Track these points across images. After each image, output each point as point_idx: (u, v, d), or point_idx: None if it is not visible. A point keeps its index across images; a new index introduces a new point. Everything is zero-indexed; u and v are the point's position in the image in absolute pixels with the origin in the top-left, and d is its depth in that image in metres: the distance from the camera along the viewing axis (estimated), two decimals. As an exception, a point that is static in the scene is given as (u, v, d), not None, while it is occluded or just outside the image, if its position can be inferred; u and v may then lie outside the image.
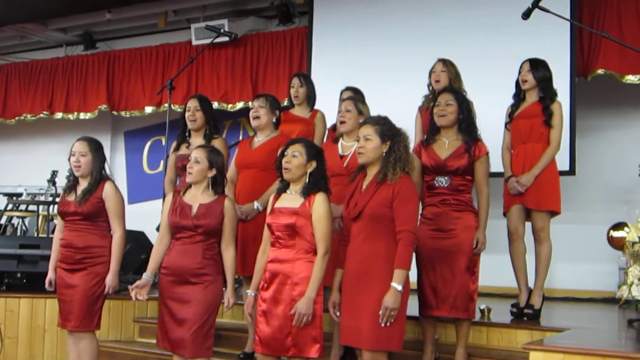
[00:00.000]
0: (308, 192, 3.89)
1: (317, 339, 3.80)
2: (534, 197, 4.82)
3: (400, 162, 3.71)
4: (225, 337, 5.11)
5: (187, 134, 5.19)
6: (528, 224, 4.99)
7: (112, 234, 4.57)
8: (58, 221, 4.76)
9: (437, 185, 4.36)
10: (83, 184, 4.60)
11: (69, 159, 4.62)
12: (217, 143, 4.96)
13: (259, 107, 4.89)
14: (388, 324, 3.54)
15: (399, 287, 3.53)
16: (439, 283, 4.25)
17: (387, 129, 3.79)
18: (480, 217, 4.32)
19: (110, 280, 4.51)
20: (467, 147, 4.31)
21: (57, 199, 7.83)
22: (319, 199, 3.86)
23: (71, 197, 4.59)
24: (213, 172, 4.26)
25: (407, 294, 3.71)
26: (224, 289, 4.27)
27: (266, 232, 4.01)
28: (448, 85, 5.02)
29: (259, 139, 4.90)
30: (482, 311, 4.96)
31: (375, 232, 3.67)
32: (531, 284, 4.96)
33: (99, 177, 4.59)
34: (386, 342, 3.60)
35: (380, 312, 3.53)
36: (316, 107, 5.62)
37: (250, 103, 8.32)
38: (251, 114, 4.93)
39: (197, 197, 4.26)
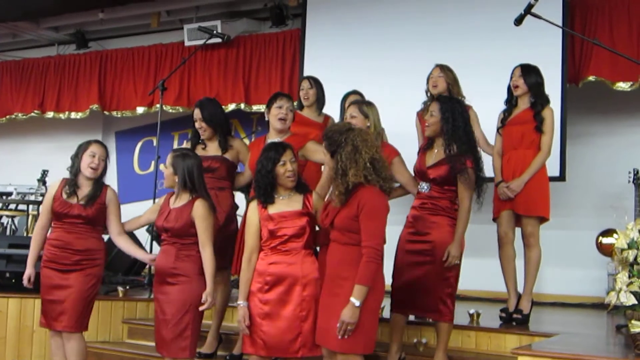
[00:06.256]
0: (304, 191, 4.01)
1: None
2: (524, 202, 4.83)
3: (335, 181, 3.63)
4: (227, 340, 5.11)
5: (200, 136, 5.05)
6: (518, 229, 5.01)
7: (119, 236, 4.63)
8: (44, 218, 4.64)
9: (420, 190, 4.42)
10: (85, 188, 4.58)
11: (75, 157, 4.60)
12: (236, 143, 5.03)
13: (289, 111, 4.75)
14: (346, 336, 3.53)
15: (357, 303, 3.51)
16: (411, 284, 4.30)
17: (330, 144, 3.71)
18: (456, 230, 4.30)
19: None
20: (448, 159, 4.30)
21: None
22: (315, 196, 4.02)
23: (73, 200, 4.55)
24: (176, 178, 4.30)
25: (381, 298, 3.72)
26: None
27: (253, 240, 4.01)
28: (446, 91, 5.07)
29: (276, 140, 4.70)
30: (470, 315, 4.97)
31: (346, 239, 3.66)
32: (520, 289, 4.98)
33: (102, 182, 4.64)
34: (352, 345, 3.59)
35: (338, 325, 3.54)
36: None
37: (242, 105, 8.37)
38: (279, 114, 4.71)
39: (177, 200, 4.33)
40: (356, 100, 4.81)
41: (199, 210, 4.23)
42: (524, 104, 4.96)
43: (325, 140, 3.76)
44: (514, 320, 4.88)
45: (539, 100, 4.89)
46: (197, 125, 4.97)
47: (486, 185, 4.49)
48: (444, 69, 5.19)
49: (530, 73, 4.93)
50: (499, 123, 5.07)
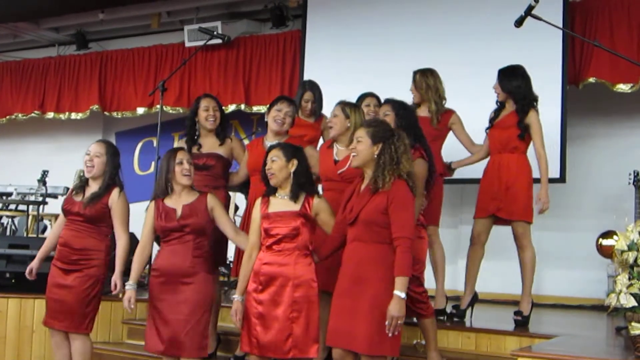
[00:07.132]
0: (298, 192, 3.94)
1: (316, 340, 3.85)
2: (506, 207, 4.84)
3: (390, 166, 3.65)
4: (225, 341, 5.10)
5: (197, 137, 5.01)
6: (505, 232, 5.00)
7: (117, 240, 4.59)
8: (60, 216, 4.73)
9: None
10: (93, 186, 4.60)
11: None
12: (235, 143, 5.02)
13: (287, 116, 4.75)
14: (396, 332, 3.50)
15: (402, 295, 3.49)
16: None
17: (378, 131, 3.75)
18: None
19: (117, 280, 4.47)
20: None
21: (47, 199, 7.86)
22: (317, 199, 3.96)
23: (78, 198, 4.59)
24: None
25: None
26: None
27: (253, 237, 4.03)
28: (420, 98, 5.20)
29: (273, 142, 4.63)
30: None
31: (369, 237, 3.65)
32: (519, 291, 4.97)
33: (110, 182, 4.60)
34: (380, 346, 3.57)
35: (387, 322, 3.49)
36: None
37: (242, 106, 8.37)
38: (276, 118, 4.72)
39: (181, 199, 4.28)
40: (341, 100, 4.80)
41: (215, 201, 4.27)
42: (510, 106, 4.97)
43: (372, 127, 3.77)
44: (515, 321, 4.88)
45: (519, 104, 4.88)
46: (207, 113, 4.88)
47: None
48: (415, 77, 5.28)
49: (507, 78, 4.95)
50: (488, 123, 5.09)
